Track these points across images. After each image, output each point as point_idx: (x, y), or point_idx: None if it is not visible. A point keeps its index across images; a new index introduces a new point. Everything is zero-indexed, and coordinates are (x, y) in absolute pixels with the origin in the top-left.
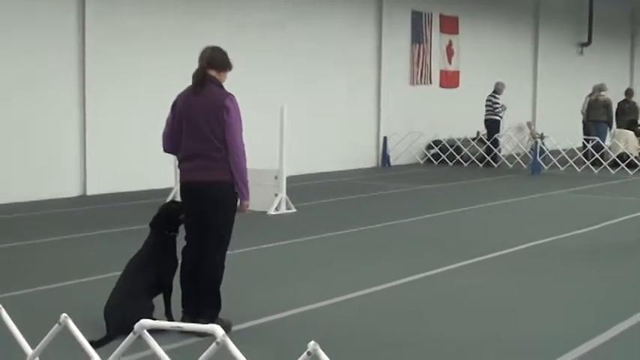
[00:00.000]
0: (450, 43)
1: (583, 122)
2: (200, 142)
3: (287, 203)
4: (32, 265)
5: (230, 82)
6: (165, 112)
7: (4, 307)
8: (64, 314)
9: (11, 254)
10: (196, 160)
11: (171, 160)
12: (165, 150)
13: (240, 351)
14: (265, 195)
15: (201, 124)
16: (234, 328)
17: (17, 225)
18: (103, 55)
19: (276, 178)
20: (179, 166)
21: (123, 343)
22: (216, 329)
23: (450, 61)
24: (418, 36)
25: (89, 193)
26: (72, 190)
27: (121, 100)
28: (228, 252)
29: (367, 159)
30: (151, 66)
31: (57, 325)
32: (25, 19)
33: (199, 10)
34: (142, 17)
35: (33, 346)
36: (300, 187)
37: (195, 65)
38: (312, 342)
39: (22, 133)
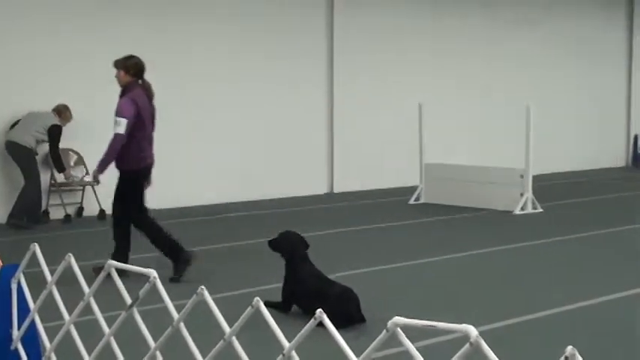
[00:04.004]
0: None
1: None
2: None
3: (533, 203)
4: None
5: (473, 80)
6: (411, 113)
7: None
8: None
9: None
10: (152, 147)
11: (414, 159)
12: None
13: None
14: (511, 194)
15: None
16: (482, 328)
17: (274, 220)
18: (349, 61)
19: (521, 177)
20: (143, 153)
21: (376, 341)
22: (470, 329)
23: None
24: None
25: (336, 190)
26: (320, 188)
27: (365, 102)
28: (473, 252)
29: (616, 158)
30: (393, 66)
31: (313, 319)
32: (278, 29)
33: (452, 5)
34: (387, 18)
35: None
36: (545, 186)
37: (452, 64)
38: (570, 347)
39: (277, 136)
